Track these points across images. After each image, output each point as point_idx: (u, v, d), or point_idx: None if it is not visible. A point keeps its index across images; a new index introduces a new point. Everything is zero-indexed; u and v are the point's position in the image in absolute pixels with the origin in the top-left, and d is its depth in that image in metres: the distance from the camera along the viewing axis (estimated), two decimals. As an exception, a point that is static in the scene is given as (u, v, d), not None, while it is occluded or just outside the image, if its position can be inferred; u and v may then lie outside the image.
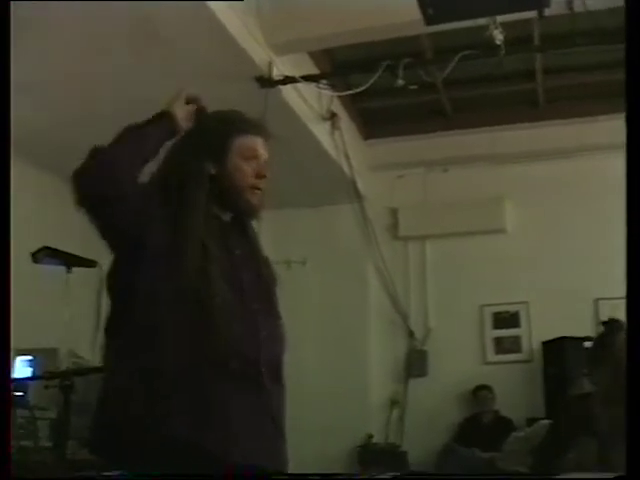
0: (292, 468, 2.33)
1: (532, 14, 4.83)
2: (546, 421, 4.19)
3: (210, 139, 2.27)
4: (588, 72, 7.01)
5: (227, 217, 2.33)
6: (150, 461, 2.01)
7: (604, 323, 3.32)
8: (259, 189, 2.28)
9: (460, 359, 7.60)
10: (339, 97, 6.82)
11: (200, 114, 2.34)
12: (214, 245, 2.16)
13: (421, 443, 7.24)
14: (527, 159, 7.66)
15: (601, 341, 3.27)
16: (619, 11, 5.74)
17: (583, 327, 6.77)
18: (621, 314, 6.57)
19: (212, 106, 2.40)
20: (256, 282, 2.26)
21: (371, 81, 5.66)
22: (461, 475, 6.41)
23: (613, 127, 7.26)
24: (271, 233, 7.09)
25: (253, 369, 2.13)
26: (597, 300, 7.22)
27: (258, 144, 2.31)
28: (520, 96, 7.50)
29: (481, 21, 4.80)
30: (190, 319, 2.06)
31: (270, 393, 2.18)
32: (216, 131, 2.29)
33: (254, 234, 2.40)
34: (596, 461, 3.06)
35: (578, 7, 5.07)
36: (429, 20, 4.15)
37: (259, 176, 2.28)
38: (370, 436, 7.45)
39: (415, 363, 7.73)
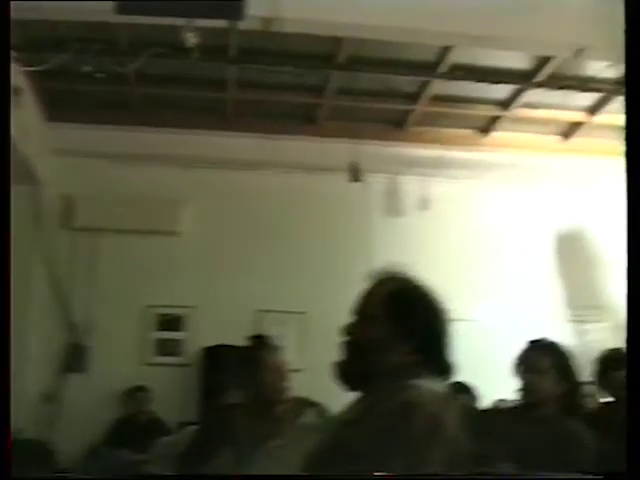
0: None
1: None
2: (195, 426, 4.20)
3: None
4: (278, 91, 7.23)
5: None
6: None
7: (250, 338, 3.40)
8: None
9: (121, 358, 7.47)
10: (26, 75, 6.45)
11: None
12: None
13: (74, 441, 7.00)
14: (209, 166, 7.74)
15: (246, 354, 3.34)
16: (313, 38, 6.01)
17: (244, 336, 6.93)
18: (280, 328, 6.73)
19: None
20: None
21: (56, 61, 5.42)
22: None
23: (293, 147, 7.61)
24: None
25: None
26: (260, 311, 7.45)
27: None
28: (210, 103, 7.57)
29: (180, 22, 4.77)
30: None
31: None
32: None
33: None
34: (235, 472, 3.10)
35: (278, 27, 5.20)
36: (120, 9, 4.08)
37: None
38: (19, 431, 7.08)
39: (75, 358, 7.49)
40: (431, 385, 1.93)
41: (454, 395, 1.83)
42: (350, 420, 1.97)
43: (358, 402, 2.03)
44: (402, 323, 1.99)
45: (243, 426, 3.14)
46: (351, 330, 2.07)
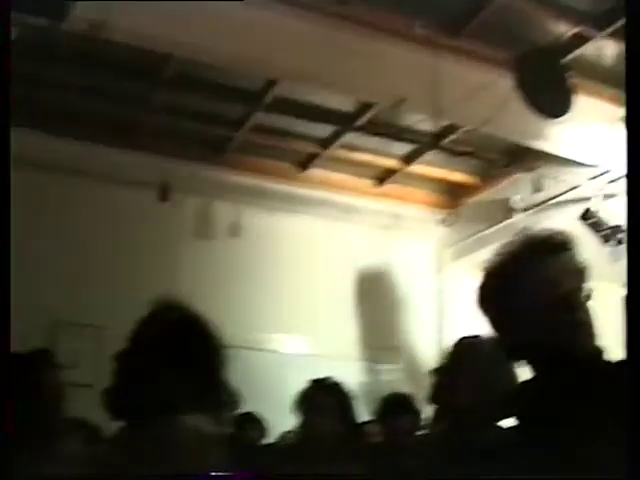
0: None
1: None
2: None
3: None
4: (99, 98, 7.04)
5: None
6: None
7: (31, 351, 3.25)
8: None
9: None
10: None
11: None
12: None
13: None
14: (19, 166, 7.37)
15: (25, 368, 3.20)
16: (142, 51, 5.90)
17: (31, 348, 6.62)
18: (75, 341, 6.47)
19: None
20: None
21: None
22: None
23: (106, 157, 7.41)
24: None
25: None
26: (55, 322, 7.17)
27: None
28: (25, 101, 7.18)
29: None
30: None
31: None
32: None
33: None
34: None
35: (106, 33, 5.09)
36: None
37: None
38: None
39: None
40: (197, 420, 1.89)
41: (224, 430, 1.81)
42: (113, 451, 1.92)
43: (122, 432, 1.97)
44: (175, 355, 1.95)
45: (16, 445, 3.00)
46: (123, 357, 2.01)
